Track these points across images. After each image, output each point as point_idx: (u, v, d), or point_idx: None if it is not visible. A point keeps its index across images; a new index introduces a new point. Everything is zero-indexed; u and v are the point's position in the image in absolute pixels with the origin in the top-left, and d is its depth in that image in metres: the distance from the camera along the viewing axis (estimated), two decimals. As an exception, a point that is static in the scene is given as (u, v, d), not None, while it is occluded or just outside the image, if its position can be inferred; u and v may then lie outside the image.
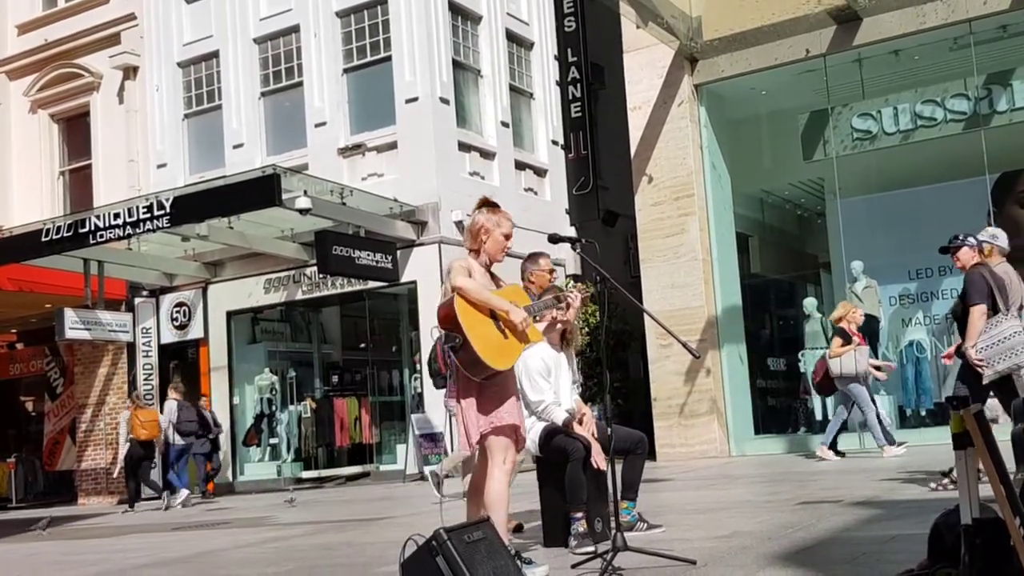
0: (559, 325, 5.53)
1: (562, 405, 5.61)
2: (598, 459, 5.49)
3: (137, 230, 14.24)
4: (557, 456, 5.56)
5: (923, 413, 13.78)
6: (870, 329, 14.06)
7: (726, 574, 4.24)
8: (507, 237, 4.75)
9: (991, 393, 6.79)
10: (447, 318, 4.48)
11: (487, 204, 4.81)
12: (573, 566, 4.64)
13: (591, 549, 5.08)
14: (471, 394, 4.55)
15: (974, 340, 6.55)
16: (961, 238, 7.04)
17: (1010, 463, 3.06)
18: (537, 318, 5.01)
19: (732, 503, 7.62)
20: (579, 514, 5.40)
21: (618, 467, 5.10)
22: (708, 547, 5.01)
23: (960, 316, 6.90)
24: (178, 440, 14.95)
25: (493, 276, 4.79)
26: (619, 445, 5.60)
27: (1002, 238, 7.09)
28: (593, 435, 5.60)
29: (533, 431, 5.70)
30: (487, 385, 4.55)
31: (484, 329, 4.50)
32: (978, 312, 6.55)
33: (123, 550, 8.42)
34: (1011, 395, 6.51)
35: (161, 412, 15.36)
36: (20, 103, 19.54)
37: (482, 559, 4.01)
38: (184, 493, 14.44)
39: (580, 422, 5.67)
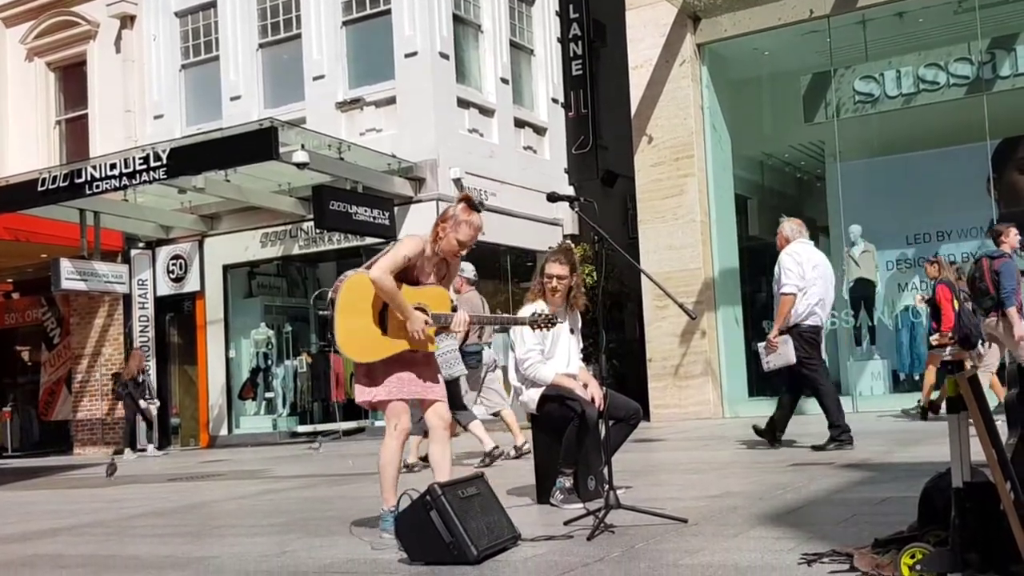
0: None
1: (557, 366, 5.63)
2: (596, 395, 5.52)
3: (133, 181, 14.17)
4: (554, 419, 5.59)
5: (917, 378, 13.82)
6: (866, 293, 14.11)
7: (717, 533, 4.27)
8: (461, 244, 4.59)
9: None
10: (335, 289, 4.51)
11: (466, 200, 4.66)
12: (566, 523, 4.67)
13: (578, 505, 5.12)
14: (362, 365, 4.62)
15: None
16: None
17: (1003, 430, 3.08)
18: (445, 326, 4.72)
19: (724, 463, 7.68)
20: (568, 470, 5.48)
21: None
22: (700, 506, 5.05)
23: None
24: None
25: (446, 263, 4.70)
26: (614, 412, 5.62)
27: (468, 270, 8.77)
28: (596, 393, 5.60)
29: (532, 391, 5.72)
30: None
31: (358, 318, 4.48)
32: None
33: (118, 500, 8.47)
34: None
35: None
36: (16, 50, 19.34)
37: (476, 514, 4.05)
38: None
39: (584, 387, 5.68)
